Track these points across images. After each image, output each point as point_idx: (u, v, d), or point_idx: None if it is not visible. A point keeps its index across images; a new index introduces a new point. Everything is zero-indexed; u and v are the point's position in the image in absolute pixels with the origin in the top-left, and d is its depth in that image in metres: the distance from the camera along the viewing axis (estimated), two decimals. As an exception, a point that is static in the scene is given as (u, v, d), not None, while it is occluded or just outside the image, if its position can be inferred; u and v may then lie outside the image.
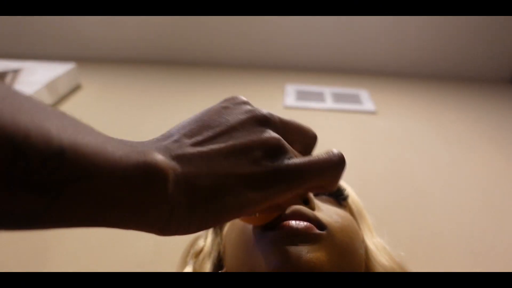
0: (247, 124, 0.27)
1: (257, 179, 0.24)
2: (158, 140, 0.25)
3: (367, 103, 1.86)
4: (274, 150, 0.26)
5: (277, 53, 2.25)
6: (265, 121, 0.29)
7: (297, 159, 0.26)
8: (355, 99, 1.90)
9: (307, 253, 0.31)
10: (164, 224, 0.21)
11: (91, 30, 2.25)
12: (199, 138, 0.25)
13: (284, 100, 1.85)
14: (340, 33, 2.17)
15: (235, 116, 0.28)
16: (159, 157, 0.22)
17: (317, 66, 2.27)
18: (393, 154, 1.47)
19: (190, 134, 0.25)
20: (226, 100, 0.30)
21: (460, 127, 1.70)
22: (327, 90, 1.99)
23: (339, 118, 1.73)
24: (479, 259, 1.02)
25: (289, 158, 0.25)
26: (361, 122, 1.70)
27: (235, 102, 0.30)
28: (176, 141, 0.25)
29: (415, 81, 2.17)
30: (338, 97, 1.91)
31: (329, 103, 1.84)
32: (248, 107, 0.29)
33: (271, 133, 0.27)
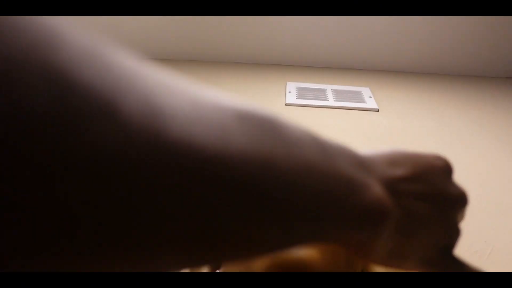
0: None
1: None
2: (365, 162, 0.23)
3: (369, 101, 1.84)
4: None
5: (279, 51, 2.24)
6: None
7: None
8: (357, 96, 1.89)
9: (301, 251, 0.31)
10: (363, 251, 0.21)
11: (90, 28, 2.25)
12: (411, 183, 0.24)
13: (286, 98, 1.84)
14: (342, 31, 2.16)
15: (447, 188, 0.26)
16: (382, 193, 0.20)
17: (319, 63, 2.26)
18: (396, 152, 1.46)
19: (400, 171, 0.24)
20: (440, 161, 0.27)
21: (464, 124, 1.68)
22: (329, 88, 1.97)
23: (341, 116, 1.71)
24: (482, 258, 1.00)
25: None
26: (364, 120, 1.69)
27: (447, 174, 0.27)
28: (386, 171, 0.23)
29: (418, 78, 2.15)
30: (340, 95, 1.90)
31: (331, 101, 1.83)
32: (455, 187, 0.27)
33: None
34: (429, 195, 0.24)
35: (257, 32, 2.20)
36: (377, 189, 0.19)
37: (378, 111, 1.76)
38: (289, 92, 1.90)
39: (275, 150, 0.15)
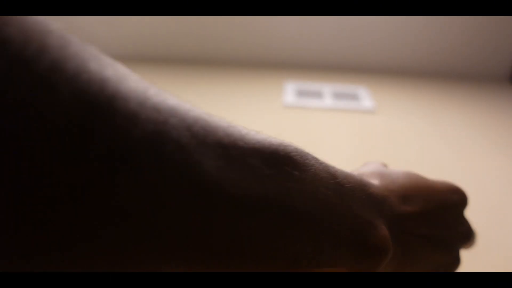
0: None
1: None
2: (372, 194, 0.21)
3: (366, 101, 1.85)
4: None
5: (276, 51, 2.25)
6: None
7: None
8: (354, 97, 1.90)
9: None
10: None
11: (89, 29, 2.24)
12: (420, 220, 0.23)
13: (283, 98, 1.85)
14: (339, 31, 2.17)
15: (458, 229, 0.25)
16: (386, 233, 0.19)
17: (316, 63, 2.27)
18: (392, 152, 1.47)
19: (410, 209, 0.22)
20: (456, 195, 0.25)
21: (459, 125, 1.69)
22: (326, 88, 1.98)
23: (338, 116, 1.72)
24: (478, 259, 1.01)
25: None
26: (361, 121, 1.70)
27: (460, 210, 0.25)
28: (394, 209, 0.22)
29: (415, 79, 2.16)
30: (337, 95, 1.91)
31: (328, 101, 1.84)
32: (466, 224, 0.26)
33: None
34: (434, 235, 0.23)
35: (255, 33, 2.20)
36: (382, 230, 0.19)
37: (375, 111, 1.77)
38: (287, 92, 1.91)
39: (291, 191, 0.16)
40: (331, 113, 1.75)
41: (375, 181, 0.23)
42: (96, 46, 2.29)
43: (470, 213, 1.16)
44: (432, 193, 0.24)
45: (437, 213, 0.23)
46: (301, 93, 1.91)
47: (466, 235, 0.24)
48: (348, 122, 1.68)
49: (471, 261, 1.00)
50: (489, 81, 2.17)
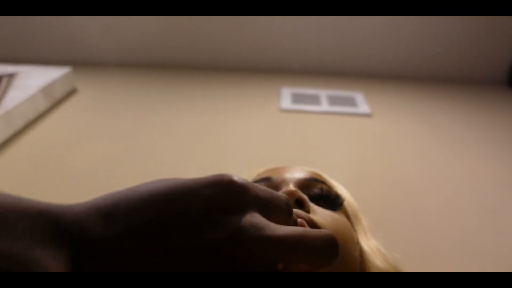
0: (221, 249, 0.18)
1: None
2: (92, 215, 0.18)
3: (362, 106, 1.86)
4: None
5: (273, 56, 2.26)
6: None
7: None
8: (351, 101, 1.91)
9: None
10: None
11: (88, 35, 2.25)
12: (144, 241, 0.17)
13: (280, 103, 1.86)
14: (336, 36, 2.18)
15: (217, 235, 0.18)
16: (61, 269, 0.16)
17: (313, 69, 2.28)
18: (388, 156, 1.48)
19: (138, 228, 0.17)
20: (218, 194, 0.19)
21: (455, 129, 1.70)
22: (323, 93, 1.99)
23: (334, 120, 1.73)
24: (473, 260, 1.02)
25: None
26: (357, 125, 1.71)
27: (228, 209, 0.18)
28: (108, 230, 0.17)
29: (410, 83, 2.18)
30: (333, 100, 1.92)
31: (324, 106, 1.85)
32: (240, 223, 0.18)
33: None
34: (162, 251, 0.17)
35: (252, 38, 2.22)
36: (53, 266, 0.16)
37: (371, 115, 1.79)
38: (284, 97, 1.92)
39: None
40: (328, 117, 1.76)
41: (79, 208, 0.18)
42: (92, 51, 2.30)
43: (466, 215, 1.17)
44: (164, 195, 0.18)
45: (167, 218, 0.17)
46: (298, 98, 1.92)
47: (223, 242, 0.17)
48: (344, 126, 1.69)
49: (465, 262, 1.01)
50: (485, 85, 2.19)
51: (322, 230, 0.19)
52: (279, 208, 0.20)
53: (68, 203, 0.19)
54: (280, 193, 0.21)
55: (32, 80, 1.74)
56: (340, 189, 0.50)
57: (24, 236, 0.16)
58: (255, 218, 0.18)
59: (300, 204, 0.38)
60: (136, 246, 0.17)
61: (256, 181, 0.46)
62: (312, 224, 0.36)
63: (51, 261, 0.16)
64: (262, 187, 0.20)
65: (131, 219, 0.17)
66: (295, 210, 0.36)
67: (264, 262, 0.18)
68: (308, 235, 0.19)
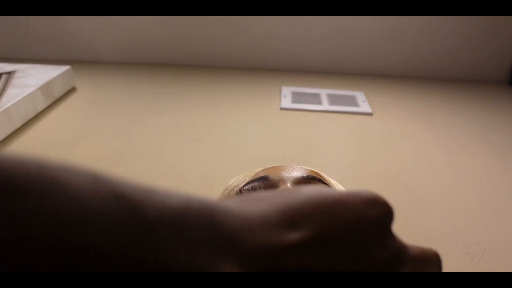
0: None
1: None
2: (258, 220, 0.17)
3: (364, 105, 1.85)
4: None
5: (274, 55, 2.25)
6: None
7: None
8: (352, 101, 1.90)
9: None
10: None
11: (87, 33, 2.24)
12: (309, 252, 0.17)
13: (281, 102, 1.85)
14: (336, 35, 2.18)
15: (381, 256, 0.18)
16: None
17: (314, 68, 2.27)
18: (390, 156, 1.47)
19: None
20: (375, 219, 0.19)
21: (456, 128, 1.70)
22: (324, 92, 1.99)
23: (335, 120, 1.73)
24: (474, 260, 1.01)
25: None
26: (358, 124, 1.70)
27: (385, 235, 0.19)
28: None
29: (412, 82, 2.17)
30: (334, 99, 1.91)
31: (325, 105, 1.84)
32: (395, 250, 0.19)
33: None
34: (334, 266, 0.17)
35: (253, 37, 2.21)
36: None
37: (372, 115, 1.78)
38: (284, 96, 1.92)
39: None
40: (329, 116, 1.75)
41: (241, 209, 0.17)
42: (91, 49, 2.29)
43: (467, 215, 1.17)
44: (333, 210, 0.18)
45: (341, 237, 0.17)
46: (298, 97, 1.92)
47: (390, 262, 0.18)
48: (344, 126, 1.68)
49: (466, 262, 1.00)
50: (486, 84, 2.18)
51: (429, 248, 0.22)
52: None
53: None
54: None
55: (31, 78, 1.73)
56: (339, 187, 0.50)
57: (202, 247, 0.15)
58: (400, 240, 0.20)
59: None
60: (314, 259, 0.17)
61: (253, 180, 0.45)
62: None
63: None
64: None
65: (312, 227, 0.17)
66: None
67: None
68: (427, 253, 0.21)
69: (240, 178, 0.51)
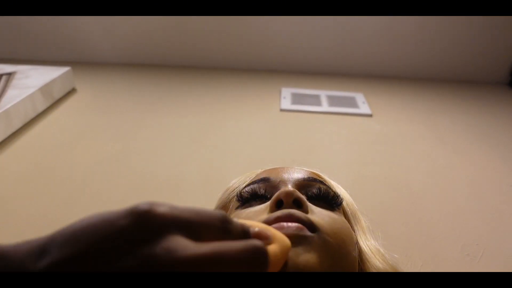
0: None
1: None
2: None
3: (363, 106, 1.86)
4: None
5: (273, 57, 2.26)
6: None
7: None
8: (351, 102, 1.90)
9: (298, 255, 0.31)
10: None
11: (86, 34, 2.24)
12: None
13: (280, 103, 1.85)
14: (336, 37, 2.18)
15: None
16: None
17: (313, 69, 2.27)
18: (389, 157, 1.47)
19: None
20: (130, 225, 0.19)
21: (456, 130, 1.70)
22: (323, 93, 1.99)
23: (335, 121, 1.73)
24: (474, 260, 1.01)
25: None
26: (357, 125, 1.70)
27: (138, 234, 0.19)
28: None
29: (411, 84, 2.17)
30: (334, 100, 1.92)
31: (325, 107, 1.85)
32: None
33: None
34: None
35: (252, 38, 2.21)
36: None
37: (371, 116, 1.78)
38: (284, 97, 1.92)
39: None
40: (328, 117, 1.75)
41: (18, 246, 0.20)
42: (91, 50, 2.30)
43: (466, 216, 1.17)
44: (83, 228, 0.19)
45: (92, 251, 0.18)
46: (298, 98, 1.92)
47: (134, 269, 0.18)
48: (344, 127, 1.68)
49: (466, 264, 1.00)
50: (486, 85, 2.18)
51: (248, 241, 0.20)
52: (209, 227, 0.21)
53: (14, 242, 0.21)
54: (215, 211, 0.22)
55: (31, 79, 1.73)
56: (339, 189, 0.50)
57: None
58: (171, 242, 0.19)
59: (298, 204, 0.38)
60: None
61: (254, 182, 0.46)
62: (310, 225, 0.35)
63: None
64: (189, 209, 0.21)
65: (58, 252, 0.19)
66: (292, 210, 0.36)
67: None
68: (226, 249, 0.19)
69: (240, 179, 0.51)
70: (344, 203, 0.47)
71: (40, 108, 1.68)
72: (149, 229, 0.19)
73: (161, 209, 0.20)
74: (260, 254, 0.20)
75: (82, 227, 0.19)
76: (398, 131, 1.67)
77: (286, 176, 0.45)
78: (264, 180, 0.45)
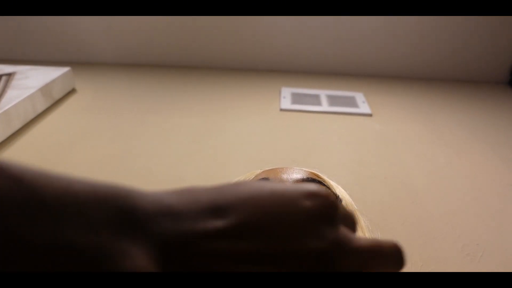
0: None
1: None
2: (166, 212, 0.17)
3: (363, 106, 1.86)
4: None
5: (273, 56, 2.26)
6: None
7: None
8: (351, 101, 1.90)
9: None
10: None
11: (86, 34, 2.24)
12: (233, 239, 0.17)
13: (280, 103, 1.85)
14: (336, 36, 2.18)
15: (317, 243, 0.18)
16: (144, 264, 0.15)
17: (313, 69, 2.27)
18: (389, 157, 1.47)
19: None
20: (316, 206, 0.19)
21: (456, 129, 1.70)
22: (323, 93, 1.99)
23: (335, 120, 1.73)
24: (474, 260, 1.01)
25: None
26: (357, 125, 1.70)
27: (327, 216, 0.19)
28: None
29: (411, 83, 2.17)
30: (334, 100, 1.92)
31: (325, 106, 1.84)
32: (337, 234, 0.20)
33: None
34: (258, 251, 0.17)
35: (252, 38, 2.21)
36: (135, 259, 0.15)
37: (371, 115, 1.78)
38: (284, 97, 1.92)
39: None
40: (328, 117, 1.75)
41: (164, 197, 0.18)
42: (91, 51, 2.29)
43: (466, 216, 1.17)
44: (265, 200, 0.18)
45: (270, 225, 0.18)
46: (298, 98, 1.92)
47: (325, 253, 0.18)
48: (344, 127, 1.68)
49: (466, 263, 1.00)
50: (486, 85, 2.18)
51: (389, 240, 0.21)
52: (353, 222, 0.23)
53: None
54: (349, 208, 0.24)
55: (31, 80, 1.73)
56: (338, 189, 0.50)
57: (105, 228, 0.15)
58: (345, 232, 0.20)
59: None
60: (238, 246, 0.17)
61: None
62: None
63: (141, 256, 0.15)
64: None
65: (238, 215, 0.17)
66: None
67: (351, 270, 0.19)
68: (383, 245, 0.20)
69: (240, 180, 0.51)
70: (343, 203, 0.47)
71: (40, 108, 1.68)
72: (332, 215, 0.19)
73: (334, 198, 0.20)
74: (403, 252, 0.21)
75: (261, 197, 0.18)
76: (398, 131, 1.66)
77: (285, 176, 0.45)
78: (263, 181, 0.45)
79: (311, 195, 0.19)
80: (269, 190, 0.19)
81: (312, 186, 0.20)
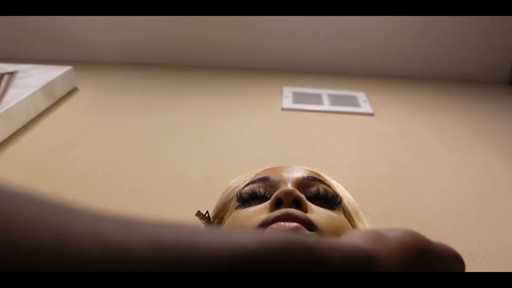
0: None
1: None
2: None
3: (365, 105, 1.85)
4: None
5: (275, 56, 2.25)
6: None
7: None
8: (353, 101, 1.90)
9: None
10: None
11: (88, 33, 2.25)
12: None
13: (282, 102, 1.85)
14: (338, 36, 2.18)
15: None
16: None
17: (315, 68, 2.27)
18: (390, 156, 1.47)
19: None
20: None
21: (457, 128, 1.69)
22: (325, 93, 1.99)
23: (336, 120, 1.73)
24: (476, 260, 1.01)
25: None
26: (359, 124, 1.70)
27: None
28: None
29: (412, 83, 2.17)
30: (335, 100, 1.91)
31: (326, 106, 1.84)
32: None
33: None
34: None
35: (254, 38, 2.21)
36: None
37: (373, 115, 1.78)
38: (285, 96, 1.92)
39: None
40: (330, 116, 1.75)
41: (364, 242, 0.21)
42: (92, 50, 2.30)
43: (468, 216, 1.16)
44: (435, 258, 0.22)
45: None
46: (300, 97, 1.92)
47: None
48: (346, 126, 1.68)
49: (467, 263, 1.00)
50: (487, 84, 2.18)
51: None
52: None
53: None
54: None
55: (33, 79, 1.74)
56: (339, 188, 0.50)
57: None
58: None
59: (298, 204, 0.38)
60: None
61: (254, 181, 0.45)
62: (309, 224, 0.35)
63: None
64: None
65: (424, 268, 0.21)
66: (291, 210, 0.36)
67: None
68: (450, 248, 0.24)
69: (241, 179, 0.51)
70: (345, 201, 0.46)
71: (42, 107, 1.68)
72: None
73: None
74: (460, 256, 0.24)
75: (432, 250, 0.22)
76: (399, 130, 1.66)
77: (285, 175, 0.45)
78: (264, 180, 0.45)
79: (456, 258, 0.23)
80: (433, 248, 0.23)
81: (453, 250, 0.23)
